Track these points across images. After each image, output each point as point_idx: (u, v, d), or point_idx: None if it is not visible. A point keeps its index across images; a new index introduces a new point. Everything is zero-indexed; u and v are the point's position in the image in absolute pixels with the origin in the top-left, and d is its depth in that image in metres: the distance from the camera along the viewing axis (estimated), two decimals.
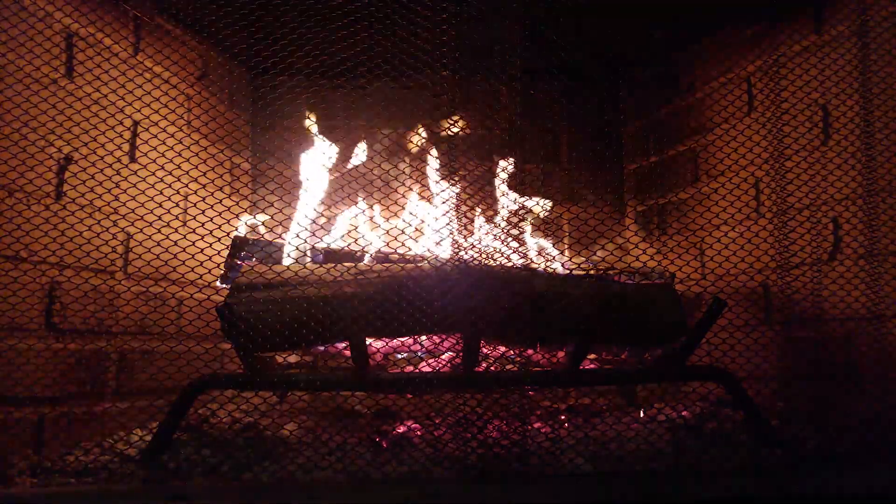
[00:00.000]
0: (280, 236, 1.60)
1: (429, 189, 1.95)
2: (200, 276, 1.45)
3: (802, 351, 1.65)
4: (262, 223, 1.73)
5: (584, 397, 1.81)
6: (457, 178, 1.58)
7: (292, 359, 1.62)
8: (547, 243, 1.88)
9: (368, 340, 1.46)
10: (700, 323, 1.46)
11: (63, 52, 1.50)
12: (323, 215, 1.85)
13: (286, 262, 1.63)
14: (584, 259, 1.67)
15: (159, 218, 1.46)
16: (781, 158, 1.67)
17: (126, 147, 1.65)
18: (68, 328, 1.49)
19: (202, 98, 1.89)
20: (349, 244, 1.72)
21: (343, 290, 1.41)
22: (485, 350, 1.53)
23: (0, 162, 1.36)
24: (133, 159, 1.66)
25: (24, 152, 1.38)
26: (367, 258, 1.63)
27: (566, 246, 1.79)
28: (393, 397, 1.57)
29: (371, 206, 1.86)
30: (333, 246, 1.70)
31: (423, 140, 2.01)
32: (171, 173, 1.50)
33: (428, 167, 1.97)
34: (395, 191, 1.91)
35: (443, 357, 1.58)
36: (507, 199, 1.88)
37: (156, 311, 1.70)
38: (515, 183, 1.85)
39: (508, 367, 1.54)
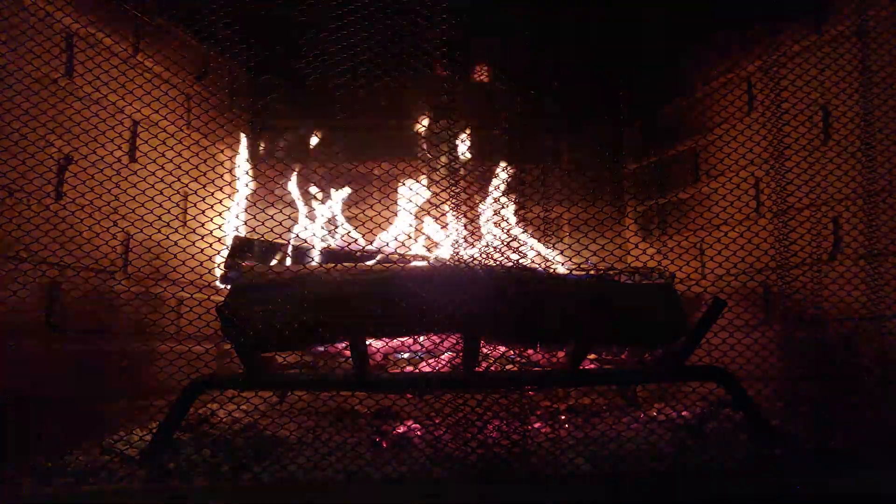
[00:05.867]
0: (280, 237, 1.60)
1: (429, 189, 1.95)
2: (200, 276, 1.45)
3: (802, 351, 1.65)
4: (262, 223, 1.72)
5: (584, 397, 1.81)
6: (456, 178, 1.58)
7: (292, 359, 1.62)
8: (547, 243, 1.88)
9: (368, 340, 1.46)
10: (700, 323, 1.46)
11: (63, 52, 1.50)
12: (323, 215, 1.85)
13: (286, 262, 1.63)
14: (584, 259, 1.67)
15: (159, 218, 1.46)
16: (781, 158, 1.67)
17: (126, 147, 1.65)
18: (68, 328, 1.48)
19: (202, 98, 1.89)
20: (349, 244, 1.72)
21: (343, 290, 1.41)
22: (485, 350, 1.53)
23: (0, 162, 1.36)
24: (133, 159, 1.66)
25: (24, 152, 1.38)
26: (366, 258, 1.63)
27: (566, 246, 1.79)
28: (393, 397, 1.57)
29: (371, 206, 1.86)
30: (334, 246, 1.70)
31: (423, 140, 2.01)
32: (171, 173, 1.50)
33: (427, 167, 1.97)
34: (395, 191, 1.91)
35: (443, 357, 1.58)
36: (507, 199, 1.88)
37: (156, 311, 1.70)
38: (515, 183, 1.85)
39: (508, 367, 1.54)
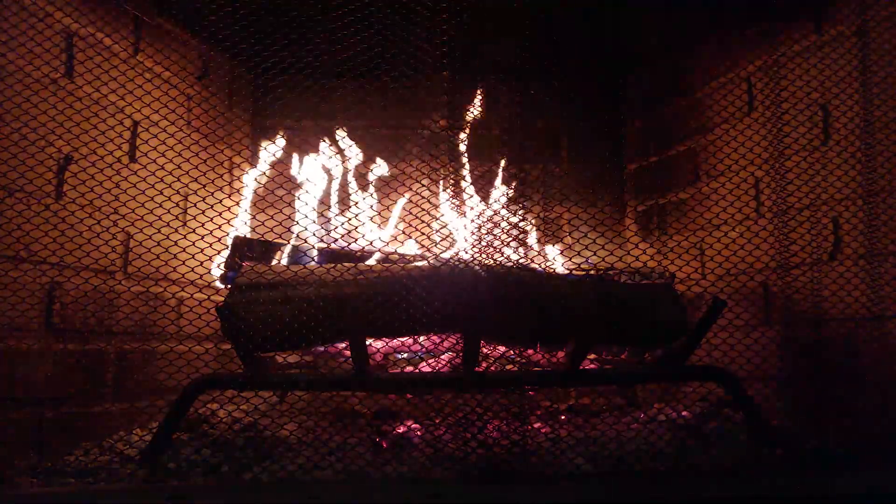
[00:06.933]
0: (280, 237, 1.60)
1: (429, 189, 1.95)
2: (200, 276, 1.45)
3: (802, 351, 1.65)
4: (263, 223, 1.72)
5: (584, 397, 1.81)
6: (456, 178, 1.58)
7: (292, 359, 1.62)
8: (547, 243, 1.88)
9: (368, 340, 1.46)
10: (700, 323, 1.46)
11: (63, 52, 1.50)
12: (323, 215, 1.85)
13: (286, 262, 1.63)
14: (584, 259, 1.67)
15: (159, 218, 1.46)
16: (781, 158, 1.67)
17: (126, 147, 1.65)
18: (68, 328, 1.48)
19: (202, 98, 1.89)
20: (349, 244, 1.72)
21: (343, 290, 1.41)
22: (485, 350, 1.53)
23: (0, 162, 1.36)
24: (133, 159, 1.66)
25: (24, 152, 1.38)
26: (366, 258, 1.63)
27: (566, 246, 1.79)
28: (393, 397, 1.57)
29: (371, 206, 1.86)
30: (334, 246, 1.70)
31: (423, 140, 2.02)
32: (171, 173, 1.50)
33: (428, 167, 1.97)
34: (395, 191, 1.91)
35: (443, 357, 1.58)
36: (507, 199, 1.88)
37: (156, 311, 1.70)
38: (515, 183, 1.85)
39: (508, 367, 1.54)
